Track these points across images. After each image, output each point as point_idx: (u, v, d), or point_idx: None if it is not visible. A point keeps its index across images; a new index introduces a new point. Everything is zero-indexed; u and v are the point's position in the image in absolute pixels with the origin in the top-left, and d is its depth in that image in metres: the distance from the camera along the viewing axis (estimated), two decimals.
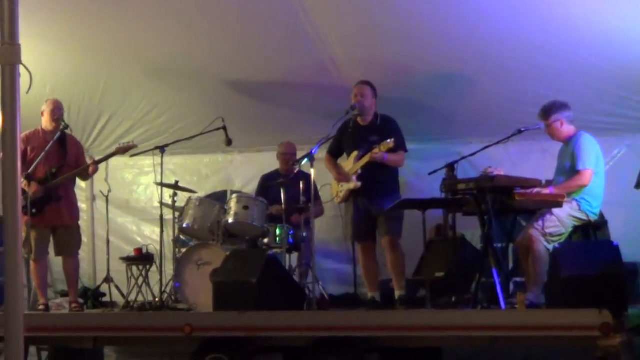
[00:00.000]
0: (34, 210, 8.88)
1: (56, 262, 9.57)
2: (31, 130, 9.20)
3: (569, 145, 8.17)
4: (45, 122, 9.19)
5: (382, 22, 8.73)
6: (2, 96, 4.30)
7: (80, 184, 10.26)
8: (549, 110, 8.21)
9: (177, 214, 9.70)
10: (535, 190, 7.76)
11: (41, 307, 9.10)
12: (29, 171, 8.85)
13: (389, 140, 8.50)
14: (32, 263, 9.12)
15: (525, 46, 8.69)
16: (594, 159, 8.01)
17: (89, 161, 9.35)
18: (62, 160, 9.12)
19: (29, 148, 9.05)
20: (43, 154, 8.94)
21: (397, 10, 8.56)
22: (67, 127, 9.14)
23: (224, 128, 9.45)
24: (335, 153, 9.23)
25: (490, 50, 8.85)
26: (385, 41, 9.06)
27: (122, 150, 9.39)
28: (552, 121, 8.19)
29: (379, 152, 8.55)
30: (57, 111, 9.14)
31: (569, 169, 8.07)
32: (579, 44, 8.58)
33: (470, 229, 9.20)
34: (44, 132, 9.19)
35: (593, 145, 8.08)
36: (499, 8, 8.27)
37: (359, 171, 8.78)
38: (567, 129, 8.22)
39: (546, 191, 7.83)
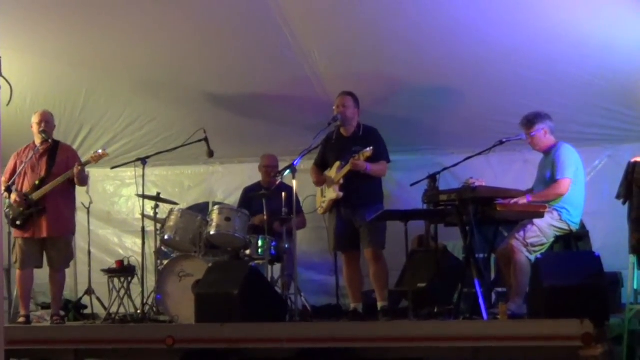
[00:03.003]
0: (18, 222, 8.91)
1: (37, 274, 9.50)
2: (24, 146, 9.22)
3: (549, 155, 8.18)
4: (35, 135, 9.18)
5: (365, 38, 8.83)
6: None
7: None
8: (533, 120, 8.20)
9: (158, 225, 9.70)
10: (513, 200, 7.77)
11: (22, 319, 9.05)
12: (10, 183, 8.89)
13: (368, 149, 8.46)
14: (17, 272, 9.11)
15: (507, 58, 8.75)
16: (574, 168, 8.02)
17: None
18: (47, 172, 9.07)
19: (18, 162, 9.09)
20: (22, 166, 8.96)
21: (380, 26, 8.62)
22: (46, 139, 9.09)
23: (206, 140, 9.43)
24: (320, 164, 9.20)
25: (472, 63, 8.91)
26: (368, 56, 9.10)
27: (95, 159, 9.23)
28: (535, 130, 8.18)
29: (359, 160, 8.52)
30: (41, 124, 9.10)
31: (549, 179, 8.08)
32: (561, 56, 8.64)
33: (452, 240, 9.23)
34: (34, 146, 9.17)
35: (573, 155, 8.09)
36: (481, 21, 8.32)
37: (341, 181, 8.74)
38: (549, 139, 8.22)
39: (523, 200, 7.83)
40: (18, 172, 9.03)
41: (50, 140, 9.16)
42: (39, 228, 9.00)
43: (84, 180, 9.32)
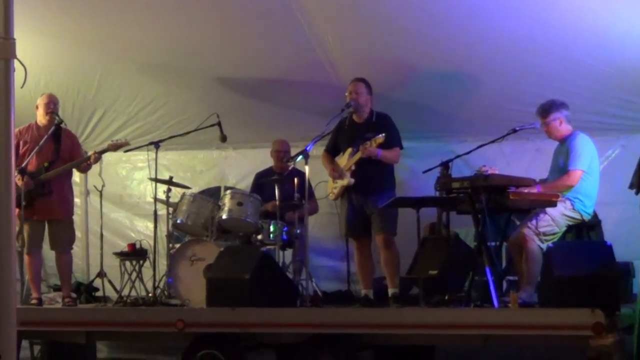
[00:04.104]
0: (24, 203, 8.85)
1: (49, 256, 9.55)
2: (25, 125, 9.19)
3: (565, 144, 8.15)
4: (40, 117, 9.18)
5: (379, 23, 8.72)
6: None
7: (75, 178, 10.23)
8: (548, 109, 8.17)
9: (170, 209, 9.69)
10: (526, 190, 7.75)
11: (34, 301, 9.09)
12: (23, 165, 8.86)
13: (379, 135, 8.47)
14: (25, 256, 9.11)
15: (521, 46, 8.66)
16: (588, 159, 8.00)
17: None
18: (55, 154, 9.11)
19: (21, 142, 9.05)
20: (37, 148, 8.94)
21: (394, 9, 8.53)
22: (61, 121, 9.13)
23: (219, 124, 9.42)
24: (332, 150, 9.20)
25: (487, 51, 8.84)
26: (382, 42, 9.04)
27: (114, 147, 9.35)
28: (551, 119, 8.15)
29: (371, 147, 8.52)
30: (51, 105, 9.12)
31: (563, 168, 8.07)
32: (575, 45, 8.55)
33: (464, 228, 9.17)
34: (37, 127, 9.18)
35: (588, 145, 8.07)
36: (496, 8, 8.25)
37: (353, 167, 8.73)
38: (565, 128, 8.18)
39: (534, 190, 7.81)
40: (22, 152, 9.03)
41: (63, 124, 9.20)
42: (46, 210, 9.06)
43: (90, 167, 9.47)
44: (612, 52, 8.56)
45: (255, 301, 7.89)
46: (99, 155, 9.19)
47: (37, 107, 9.19)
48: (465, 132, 10.05)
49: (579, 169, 7.93)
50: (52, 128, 9.07)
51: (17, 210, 8.34)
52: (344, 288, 9.74)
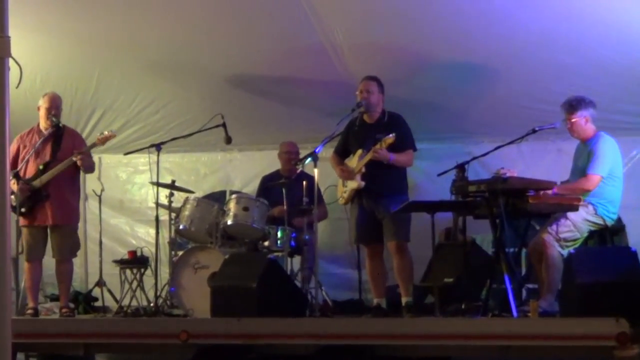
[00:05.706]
0: (22, 210, 8.74)
1: (46, 264, 9.42)
2: (27, 129, 9.09)
3: (588, 145, 8.02)
4: (41, 119, 9.06)
5: (391, 15, 8.61)
6: None
7: None
8: (577, 105, 8.03)
9: (173, 214, 9.67)
10: (542, 192, 7.61)
11: (30, 311, 8.97)
12: (17, 169, 8.77)
13: (390, 135, 8.31)
14: (25, 264, 9.00)
15: (543, 42, 8.57)
16: (610, 164, 7.88)
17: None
18: (51, 156, 8.95)
19: (21, 146, 8.97)
20: (32, 151, 8.84)
21: (406, 4, 8.46)
22: (57, 124, 8.97)
23: (224, 125, 9.31)
24: (341, 152, 9.06)
25: (507, 46, 8.75)
26: (394, 36, 8.93)
27: (102, 141, 9.21)
28: (577, 116, 8.01)
29: (381, 149, 8.38)
30: (52, 110, 8.98)
31: (582, 170, 7.96)
32: (599, 41, 8.47)
33: (481, 233, 9.11)
34: (39, 130, 9.07)
35: (612, 149, 7.95)
36: (518, 1, 8.18)
37: (363, 170, 8.60)
38: (590, 127, 8.05)
39: (549, 192, 7.66)
40: (22, 157, 8.94)
41: (61, 125, 9.05)
42: (44, 215, 8.90)
43: (89, 167, 9.29)
44: (637, 49, 8.47)
45: (262, 311, 7.78)
46: (83, 156, 8.97)
47: (38, 109, 9.06)
48: (482, 132, 10.01)
49: (597, 174, 7.82)
50: (49, 130, 8.94)
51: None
52: (355, 297, 9.54)
